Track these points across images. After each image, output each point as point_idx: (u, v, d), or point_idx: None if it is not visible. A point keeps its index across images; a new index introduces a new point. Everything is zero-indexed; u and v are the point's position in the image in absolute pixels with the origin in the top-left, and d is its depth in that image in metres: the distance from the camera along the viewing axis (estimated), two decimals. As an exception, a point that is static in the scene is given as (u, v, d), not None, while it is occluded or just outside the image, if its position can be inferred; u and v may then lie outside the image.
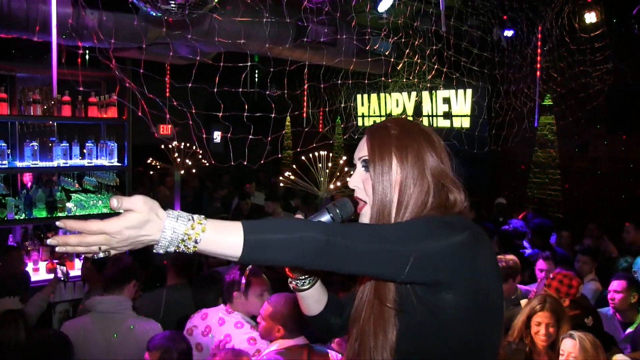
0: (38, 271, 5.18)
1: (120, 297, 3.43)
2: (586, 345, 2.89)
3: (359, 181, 1.54)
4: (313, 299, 1.65)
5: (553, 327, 3.20)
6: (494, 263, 1.41)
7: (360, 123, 11.35)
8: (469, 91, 9.09)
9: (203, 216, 1.20)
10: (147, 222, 1.14)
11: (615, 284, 4.18)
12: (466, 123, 9.23)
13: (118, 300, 3.40)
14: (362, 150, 1.53)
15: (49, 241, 1.16)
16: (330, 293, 1.70)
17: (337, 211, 1.53)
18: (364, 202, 1.53)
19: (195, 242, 1.16)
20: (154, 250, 1.18)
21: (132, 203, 1.13)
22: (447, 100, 9.62)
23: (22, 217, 5.20)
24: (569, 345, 2.94)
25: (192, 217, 1.18)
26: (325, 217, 1.53)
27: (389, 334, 1.39)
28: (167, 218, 1.16)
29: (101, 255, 1.16)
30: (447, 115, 9.59)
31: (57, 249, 1.16)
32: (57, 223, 1.15)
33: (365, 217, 1.51)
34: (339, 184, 6.71)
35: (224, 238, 1.18)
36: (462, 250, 1.31)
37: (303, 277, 1.60)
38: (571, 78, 7.33)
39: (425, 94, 9.58)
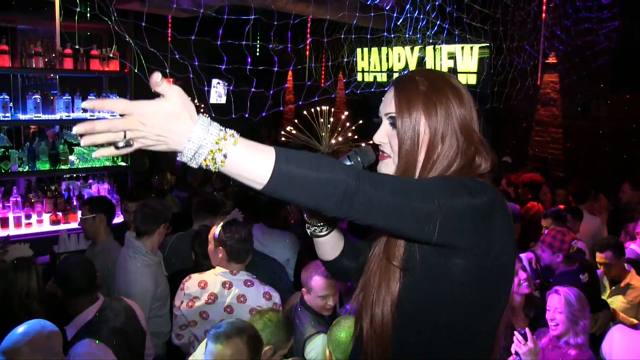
0: (42, 223, 5.25)
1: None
2: (571, 300, 2.94)
3: (384, 136, 1.47)
4: (329, 245, 1.62)
5: (526, 280, 3.27)
6: (509, 229, 1.36)
7: (360, 78, 11.22)
8: (476, 47, 8.89)
9: (235, 132, 1.12)
10: (178, 117, 1.06)
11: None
12: (472, 80, 9.08)
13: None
14: (389, 106, 1.45)
15: (83, 104, 1.07)
16: (346, 238, 1.67)
17: (359, 159, 1.49)
18: (387, 156, 1.48)
19: (224, 155, 1.08)
20: (178, 158, 1.10)
21: (170, 89, 1.07)
22: (452, 56, 9.47)
23: (25, 170, 5.25)
24: (555, 301, 2.99)
25: (224, 129, 1.10)
26: (347, 164, 1.47)
27: (392, 290, 1.38)
28: (199, 122, 1.08)
29: (121, 144, 1.06)
30: (452, 71, 9.40)
31: (83, 140, 1.05)
32: (83, 104, 1.07)
33: (387, 167, 1.47)
34: (340, 139, 6.71)
35: (254, 158, 1.10)
36: (480, 215, 1.28)
37: (321, 223, 1.57)
38: (577, 35, 7.23)
39: (429, 50, 9.42)
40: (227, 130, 1.10)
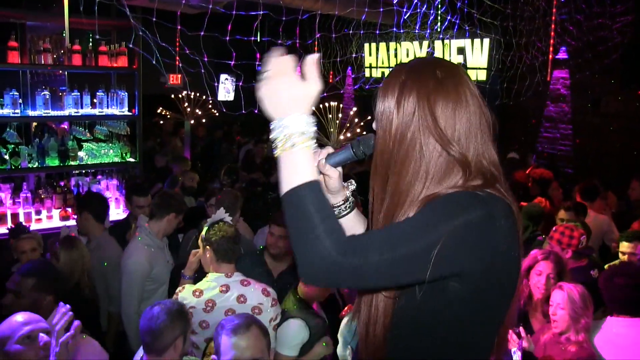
0: (51, 219, 5.27)
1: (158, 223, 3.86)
2: (574, 297, 2.90)
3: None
4: (346, 227, 1.53)
5: (553, 279, 3.21)
6: (514, 233, 1.26)
7: (368, 74, 11.17)
8: (486, 41, 8.73)
9: (314, 143, 1.25)
10: (299, 99, 1.24)
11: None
12: (482, 75, 8.96)
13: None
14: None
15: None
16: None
17: (361, 148, 1.44)
18: None
19: (292, 145, 1.22)
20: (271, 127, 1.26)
21: (317, 82, 1.26)
22: (461, 51, 9.35)
23: (35, 166, 5.26)
24: (558, 297, 2.96)
25: (313, 135, 1.24)
26: (348, 154, 1.45)
27: (387, 311, 1.34)
28: (298, 112, 1.23)
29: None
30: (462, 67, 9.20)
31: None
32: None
33: None
34: (349, 134, 6.71)
35: (298, 169, 1.22)
36: (477, 231, 1.19)
37: (337, 205, 1.53)
38: (589, 31, 7.16)
39: (438, 44, 9.31)
40: (312, 135, 1.24)
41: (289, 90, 1.23)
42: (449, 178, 1.30)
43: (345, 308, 3.00)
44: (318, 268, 1.16)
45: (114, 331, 4.05)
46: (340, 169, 1.48)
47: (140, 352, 2.57)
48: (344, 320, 2.63)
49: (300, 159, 1.22)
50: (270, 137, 1.26)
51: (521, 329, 2.79)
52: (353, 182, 1.57)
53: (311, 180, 1.21)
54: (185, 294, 3.00)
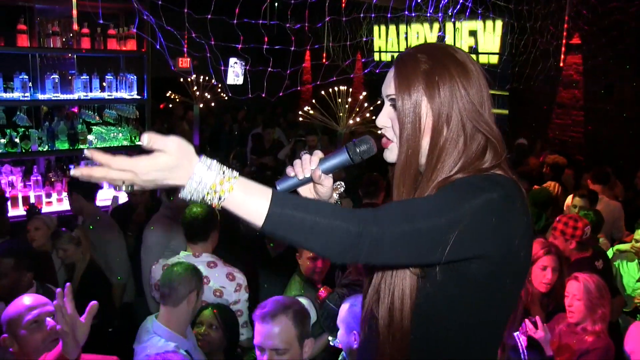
0: (62, 202, 5.31)
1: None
2: (590, 287, 2.89)
3: (387, 120, 1.39)
4: None
5: (556, 272, 3.17)
6: (527, 220, 1.28)
7: (377, 58, 11.06)
8: (499, 24, 8.54)
9: (236, 173, 1.13)
10: (176, 167, 1.09)
11: None
12: (494, 60, 8.79)
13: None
14: (389, 87, 1.36)
15: (72, 172, 1.09)
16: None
17: (358, 150, 1.38)
18: (391, 141, 1.39)
19: (220, 198, 1.11)
20: (179, 195, 1.13)
21: (165, 144, 1.08)
22: (473, 34, 9.18)
23: (45, 149, 5.29)
24: (574, 287, 2.95)
25: (224, 172, 1.12)
26: (344, 158, 1.40)
27: (411, 294, 1.31)
28: (198, 166, 1.10)
29: (124, 189, 1.14)
30: (473, 51, 9.04)
31: (79, 178, 1.09)
32: (85, 152, 1.08)
33: (392, 153, 1.39)
34: (358, 119, 6.66)
35: (249, 202, 1.12)
36: (494, 214, 1.19)
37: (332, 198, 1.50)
38: (604, 15, 7.02)
39: (449, 28, 9.16)
40: (226, 173, 1.12)
41: (159, 171, 1.09)
42: (476, 158, 1.31)
43: (321, 290, 2.98)
44: (339, 244, 1.13)
45: (119, 302, 4.20)
46: (331, 174, 1.44)
47: (148, 320, 2.65)
48: (344, 307, 2.61)
49: (238, 196, 1.12)
50: (191, 198, 1.13)
51: (537, 318, 2.76)
52: (342, 184, 1.53)
53: (270, 195, 1.12)
54: (157, 267, 3.10)
